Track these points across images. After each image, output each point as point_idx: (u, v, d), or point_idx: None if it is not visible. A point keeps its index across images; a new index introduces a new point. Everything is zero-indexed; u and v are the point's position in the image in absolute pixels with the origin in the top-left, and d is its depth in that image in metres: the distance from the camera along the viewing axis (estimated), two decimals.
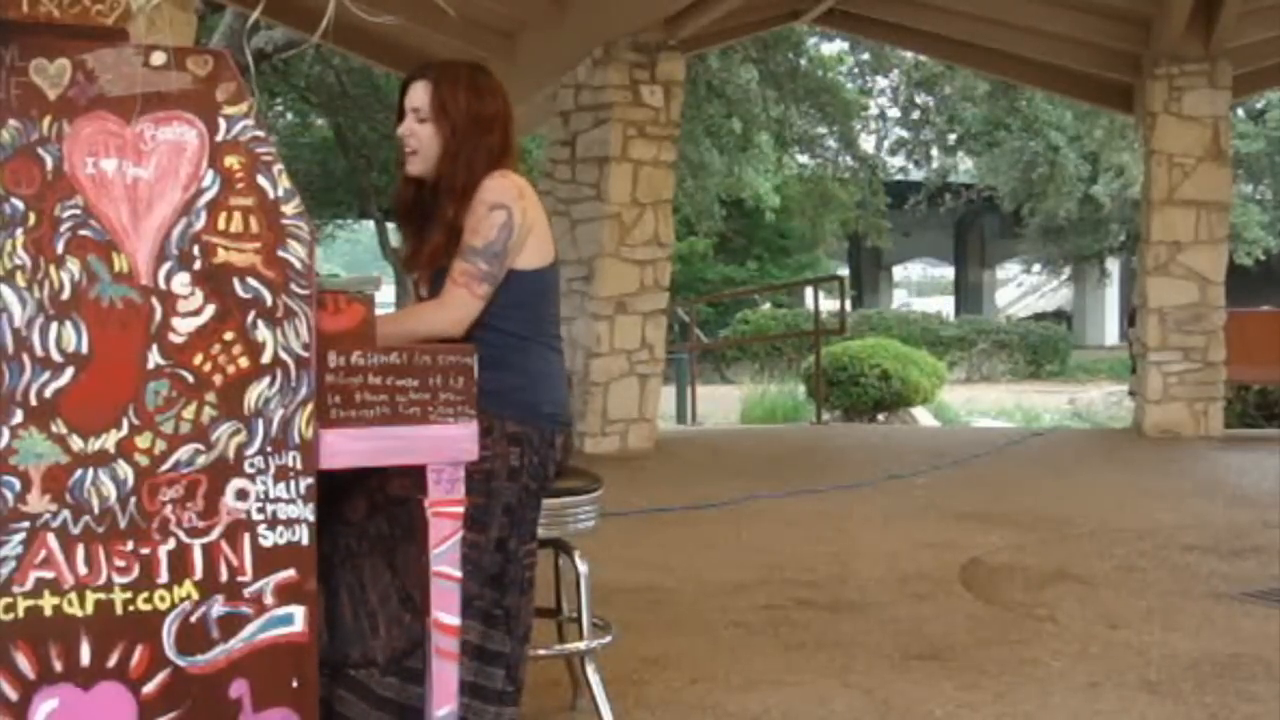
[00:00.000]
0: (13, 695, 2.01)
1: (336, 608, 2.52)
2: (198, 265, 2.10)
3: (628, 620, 3.69)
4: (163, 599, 2.09)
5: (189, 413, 2.10)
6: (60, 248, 2.03)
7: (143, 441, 2.07)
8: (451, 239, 2.69)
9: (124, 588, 2.07)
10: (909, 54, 15.72)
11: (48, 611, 2.03)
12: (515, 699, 2.66)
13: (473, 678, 2.58)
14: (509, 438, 2.66)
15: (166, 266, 2.08)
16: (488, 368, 2.54)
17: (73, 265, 2.04)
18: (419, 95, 2.73)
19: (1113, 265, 27.84)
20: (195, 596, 2.11)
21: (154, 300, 2.08)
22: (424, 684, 2.42)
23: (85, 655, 2.05)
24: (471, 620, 2.56)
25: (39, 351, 2.02)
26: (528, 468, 2.68)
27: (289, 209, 2.15)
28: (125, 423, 2.06)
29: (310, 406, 2.17)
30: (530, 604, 2.75)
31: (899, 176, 21.81)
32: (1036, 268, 30.05)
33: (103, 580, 2.06)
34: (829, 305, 17.99)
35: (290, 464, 2.16)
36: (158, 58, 2.09)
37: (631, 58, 8.19)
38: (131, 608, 2.07)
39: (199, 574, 2.11)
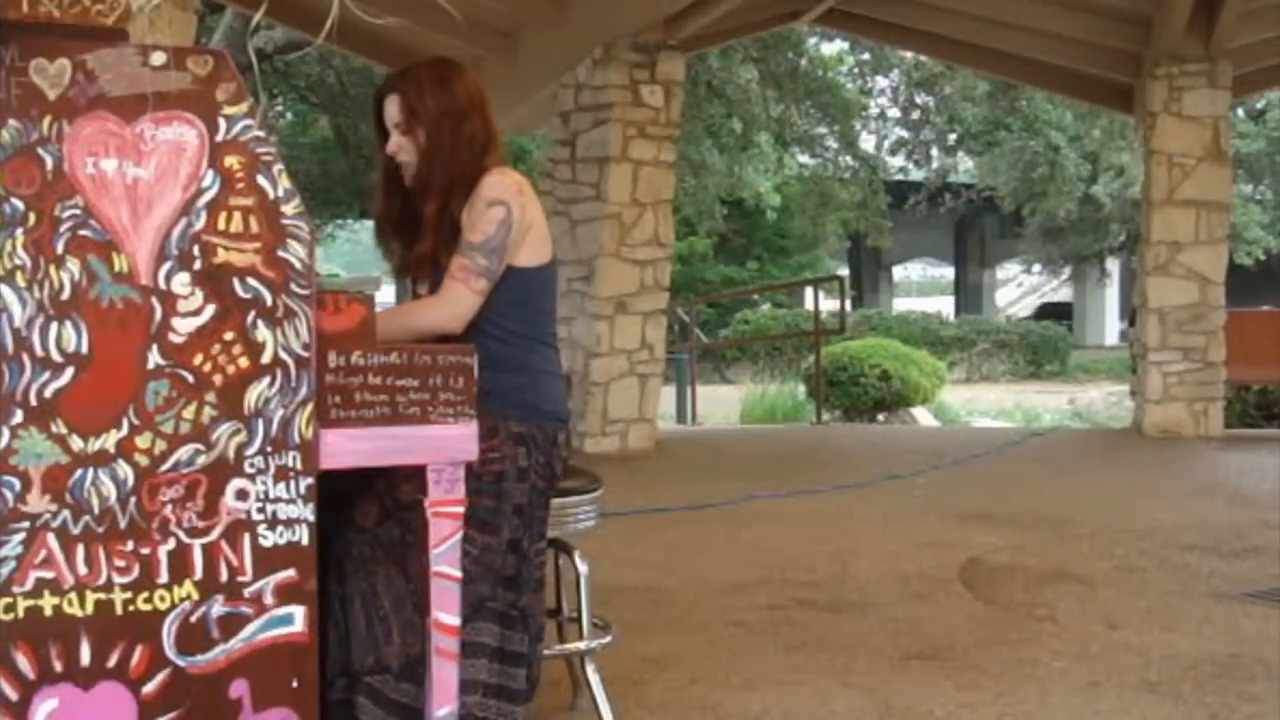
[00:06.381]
0: (13, 695, 2.01)
1: (351, 614, 2.52)
2: (198, 265, 2.10)
3: (628, 620, 3.69)
4: (163, 599, 2.09)
5: (189, 413, 2.10)
6: (60, 248, 2.03)
7: (143, 441, 2.07)
8: (440, 237, 2.66)
9: (124, 588, 2.07)
10: (909, 54, 15.73)
11: (48, 611, 2.03)
12: (530, 696, 2.68)
13: (496, 679, 2.58)
14: (514, 438, 2.65)
15: (166, 266, 2.08)
16: (489, 367, 2.53)
17: (73, 265, 2.04)
18: (393, 110, 2.71)
19: (1113, 265, 27.87)
20: (195, 596, 2.11)
21: (154, 300, 2.08)
22: None
23: (85, 655, 2.05)
24: (488, 623, 2.57)
25: (39, 351, 2.02)
26: (535, 467, 2.69)
27: (289, 209, 2.15)
28: (125, 423, 2.06)
29: (310, 406, 2.17)
30: (542, 603, 2.76)
31: (899, 176, 21.84)
32: (1036, 268, 30.08)
33: (103, 580, 2.06)
34: (829, 305, 17.98)
35: (290, 464, 2.16)
36: (158, 58, 2.09)
37: (631, 58, 8.19)
38: (131, 608, 2.07)
39: (199, 574, 2.11)
